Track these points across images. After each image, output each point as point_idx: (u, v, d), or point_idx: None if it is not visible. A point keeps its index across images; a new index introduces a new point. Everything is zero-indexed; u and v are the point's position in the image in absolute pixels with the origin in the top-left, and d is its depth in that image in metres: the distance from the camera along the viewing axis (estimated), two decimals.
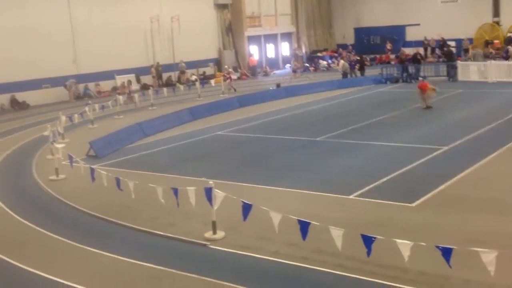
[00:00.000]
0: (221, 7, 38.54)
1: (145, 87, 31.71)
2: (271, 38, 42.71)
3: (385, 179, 12.72)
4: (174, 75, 35.35)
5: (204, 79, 34.01)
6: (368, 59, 38.93)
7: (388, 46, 41.57)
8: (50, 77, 28.71)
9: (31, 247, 9.99)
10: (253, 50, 40.90)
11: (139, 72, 33.47)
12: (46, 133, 16.67)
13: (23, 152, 18.02)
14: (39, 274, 8.77)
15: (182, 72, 35.19)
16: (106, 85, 31.83)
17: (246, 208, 9.34)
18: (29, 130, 21.54)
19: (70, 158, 13.84)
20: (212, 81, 30.83)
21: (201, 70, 36.11)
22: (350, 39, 45.38)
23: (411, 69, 31.16)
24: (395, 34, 42.82)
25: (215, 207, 9.68)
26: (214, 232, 9.82)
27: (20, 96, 27.77)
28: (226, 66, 28.55)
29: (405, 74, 30.91)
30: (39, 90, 28.15)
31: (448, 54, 33.19)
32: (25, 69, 27.23)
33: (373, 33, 44.34)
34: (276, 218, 8.95)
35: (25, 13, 27.56)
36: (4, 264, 9.30)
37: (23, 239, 10.45)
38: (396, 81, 30.80)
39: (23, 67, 27.12)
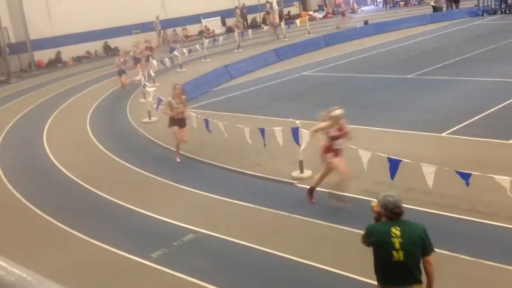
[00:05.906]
0: None
1: (230, 29, 31.73)
2: None
3: (479, 116, 12.14)
4: (259, 16, 35.04)
5: (289, 19, 33.45)
6: None
7: None
8: (140, 23, 29.51)
9: (126, 184, 10.49)
10: None
11: (224, 15, 33.52)
12: (137, 77, 17.23)
13: (119, 96, 18.71)
14: (133, 209, 9.24)
15: (267, 13, 34.76)
16: (192, 29, 32.24)
17: None
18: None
19: (159, 100, 14.21)
20: (298, 21, 30.25)
21: (286, 10, 35.53)
22: None
23: None
24: None
25: (302, 147, 9.68)
26: (301, 171, 9.86)
27: (112, 42, 28.80)
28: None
29: (504, 5, 28.89)
30: (129, 36, 28.97)
31: None
32: (117, 16, 28.11)
33: None
34: (365, 156, 8.79)
35: None
36: (98, 197, 9.89)
37: (118, 177, 11.00)
38: (494, 12, 28.86)
39: (115, 14, 28.02)
